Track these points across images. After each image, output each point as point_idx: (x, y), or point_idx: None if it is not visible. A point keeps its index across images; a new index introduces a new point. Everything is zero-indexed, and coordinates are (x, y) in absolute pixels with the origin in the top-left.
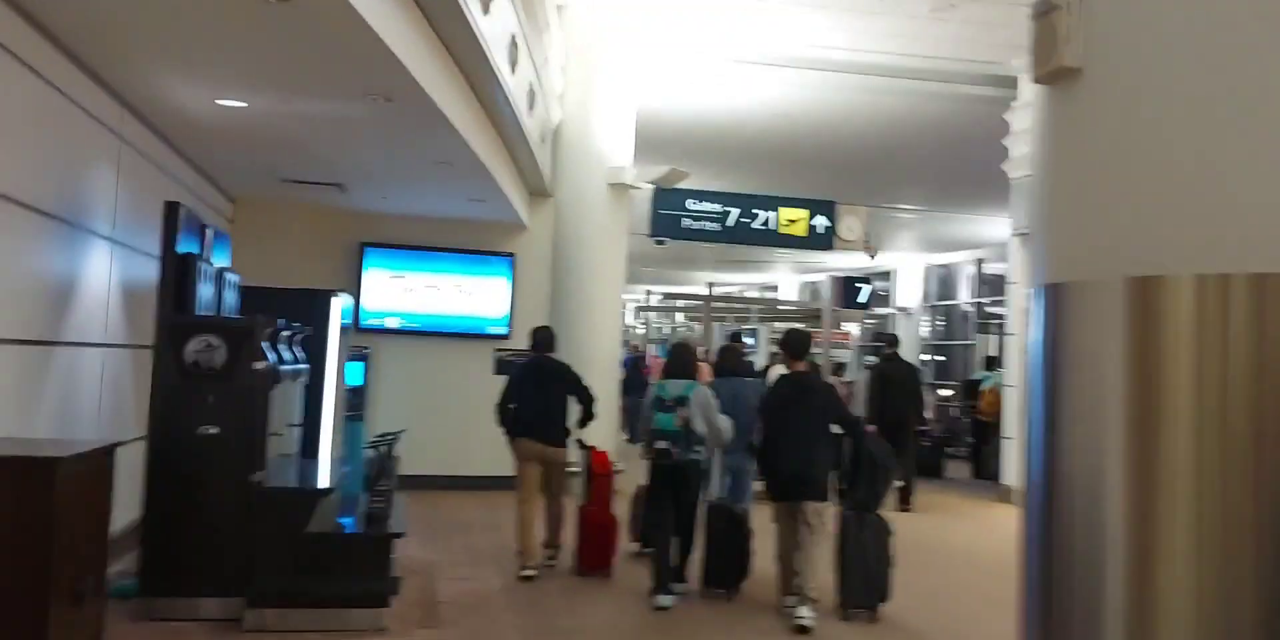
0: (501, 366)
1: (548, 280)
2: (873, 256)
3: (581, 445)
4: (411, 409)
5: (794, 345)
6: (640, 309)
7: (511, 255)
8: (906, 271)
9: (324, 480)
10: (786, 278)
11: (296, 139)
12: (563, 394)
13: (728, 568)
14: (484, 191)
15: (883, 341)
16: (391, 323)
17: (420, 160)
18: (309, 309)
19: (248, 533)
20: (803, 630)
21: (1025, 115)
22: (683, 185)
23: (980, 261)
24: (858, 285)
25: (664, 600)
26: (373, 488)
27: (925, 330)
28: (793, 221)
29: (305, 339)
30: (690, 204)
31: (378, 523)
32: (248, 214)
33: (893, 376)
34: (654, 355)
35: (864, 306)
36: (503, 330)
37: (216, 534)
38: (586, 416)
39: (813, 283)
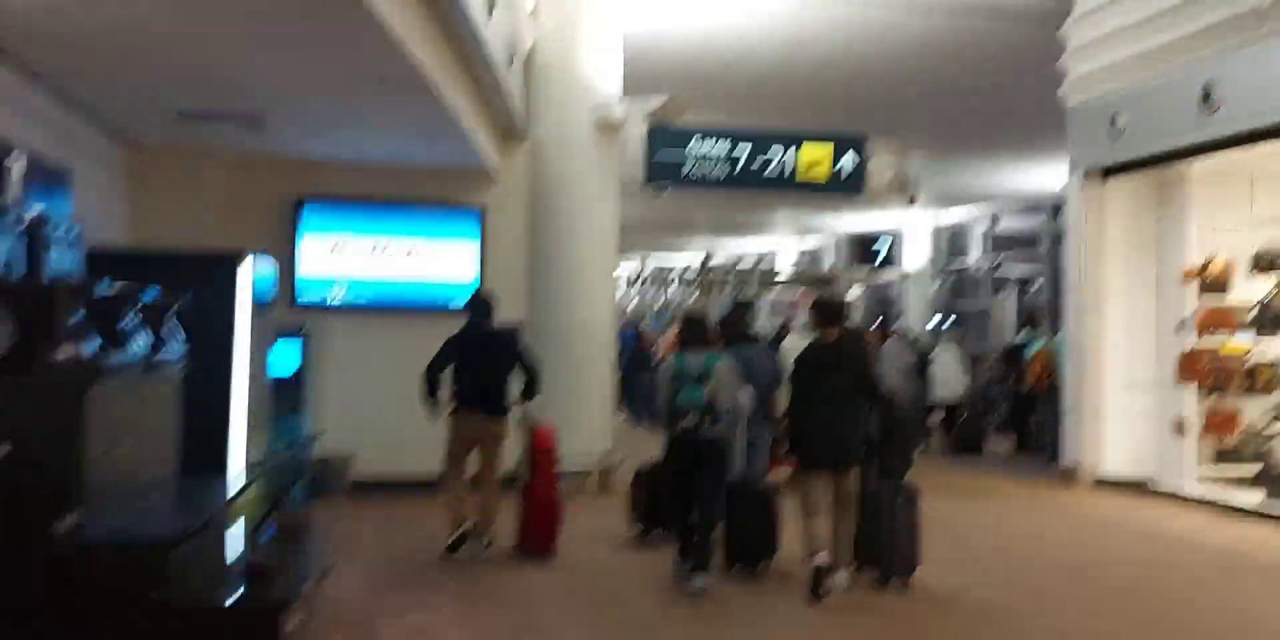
0: None
1: (525, 239)
2: (912, 202)
3: (529, 422)
4: (367, 400)
5: (826, 312)
6: (636, 278)
7: (480, 209)
8: (913, 230)
9: (190, 517)
10: (784, 242)
11: (188, 54)
12: (508, 365)
13: (753, 545)
14: (438, 126)
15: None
16: (337, 295)
17: (349, 78)
18: (203, 278)
19: (47, 611)
20: (825, 594)
21: (1087, 26)
22: (684, 122)
23: (994, 218)
24: (874, 245)
25: (700, 581)
26: (257, 525)
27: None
28: (814, 164)
29: (186, 316)
30: (693, 145)
31: (260, 583)
32: (148, 164)
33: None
34: (649, 326)
35: (883, 266)
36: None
37: None
38: (533, 390)
39: (811, 251)
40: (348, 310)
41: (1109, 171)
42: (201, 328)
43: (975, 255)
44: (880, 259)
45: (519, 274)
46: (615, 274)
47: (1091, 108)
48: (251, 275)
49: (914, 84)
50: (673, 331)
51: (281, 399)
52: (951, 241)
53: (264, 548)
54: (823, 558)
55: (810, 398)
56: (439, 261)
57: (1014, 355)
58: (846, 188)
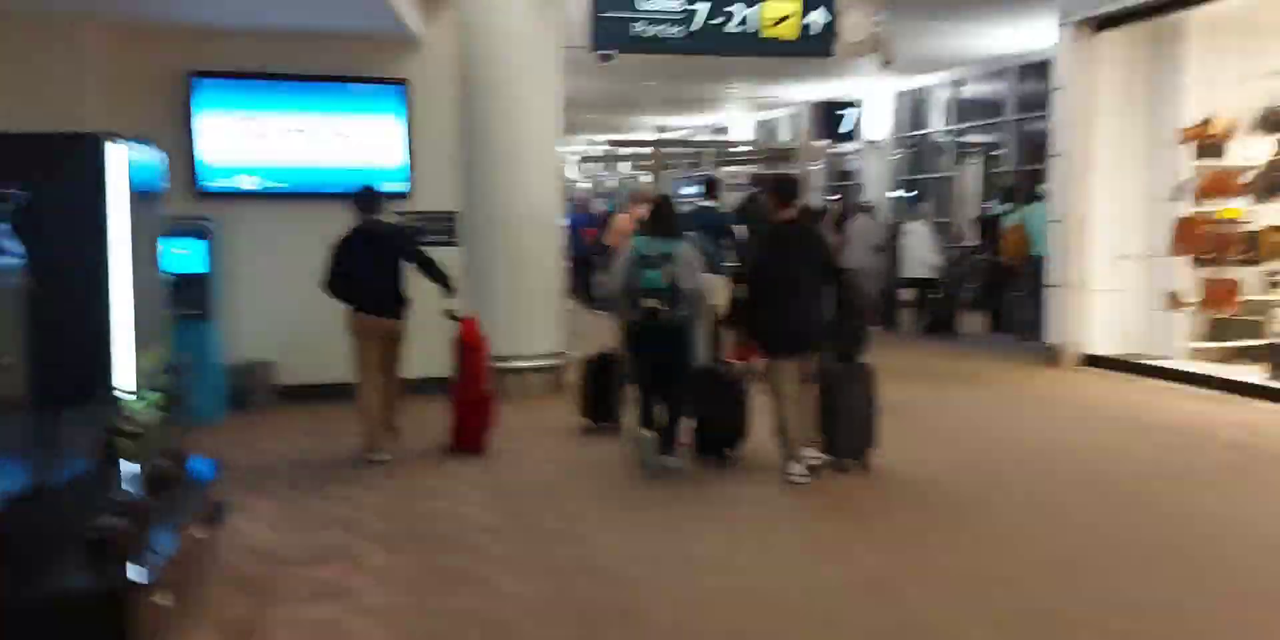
0: None
1: (454, 116)
2: (888, 65)
3: (452, 316)
4: (287, 299)
5: (784, 190)
6: (584, 160)
7: (403, 83)
8: (875, 99)
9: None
10: (739, 117)
11: None
12: (393, 263)
13: (723, 433)
14: None
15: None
16: (247, 182)
17: None
18: (57, 165)
19: None
20: (805, 476)
21: None
22: None
23: (958, 83)
24: (839, 112)
25: (670, 461)
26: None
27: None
28: (781, 19)
29: (32, 210)
30: (641, 2)
31: (105, 559)
32: (11, 34)
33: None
34: (602, 210)
35: (848, 137)
36: (400, 186)
37: None
38: (441, 282)
39: (768, 121)
40: (260, 198)
41: (1102, 23)
42: (61, 224)
43: (938, 123)
44: (846, 130)
45: (450, 155)
46: (560, 154)
47: None
48: (126, 161)
49: None
50: (626, 216)
51: (183, 303)
52: (914, 110)
53: (119, 506)
54: (813, 453)
55: (771, 283)
56: (360, 143)
57: (988, 227)
58: (816, 47)
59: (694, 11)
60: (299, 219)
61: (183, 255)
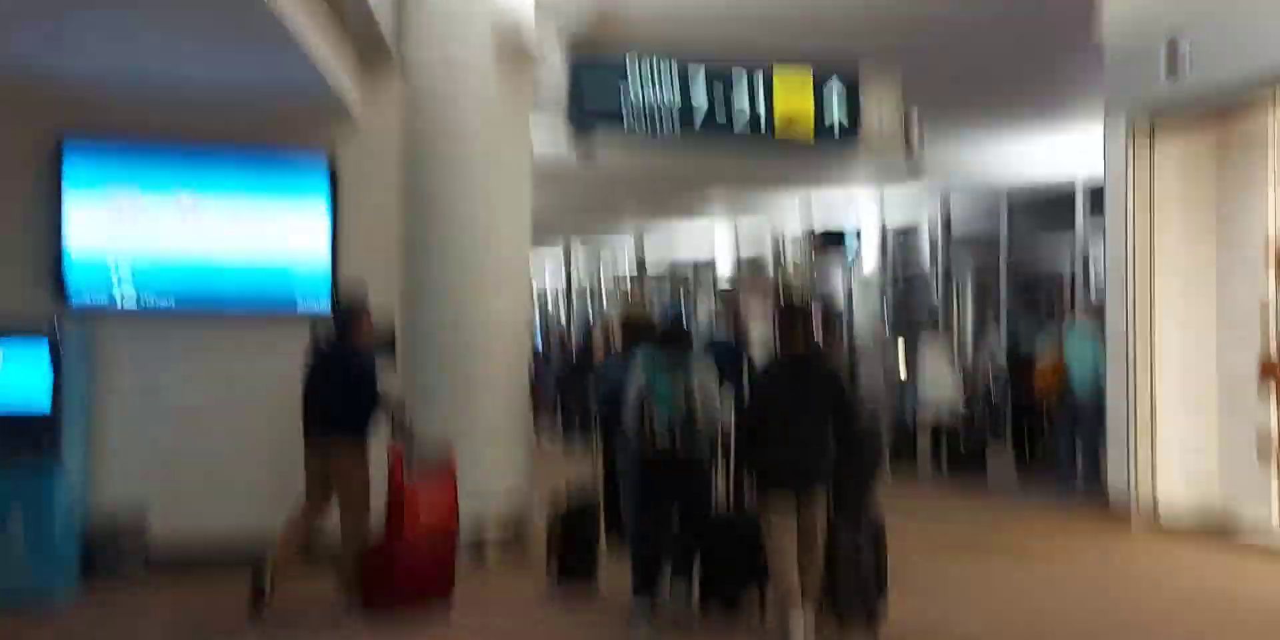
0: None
1: (399, 204)
2: (916, 172)
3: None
4: (174, 440)
5: (791, 318)
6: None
7: (326, 155)
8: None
9: None
10: (719, 225)
11: None
12: (343, 382)
13: (735, 579)
14: (255, 28)
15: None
16: (117, 290)
17: None
18: None
19: None
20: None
21: None
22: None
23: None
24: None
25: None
26: None
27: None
28: (792, 119)
29: None
30: (631, 83)
31: None
32: None
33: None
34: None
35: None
36: (321, 305)
37: None
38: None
39: (749, 257)
40: (145, 316)
41: (1159, 120)
42: None
43: (927, 258)
44: (850, 255)
45: (389, 252)
46: (526, 254)
47: (1141, 30)
48: None
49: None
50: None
51: (19, 446)
52: (902, 245)
53: None
54: (799, 617)
55: (771, 418)
56: (273, 233)
57: (1020, 359)
58: (837, 141)
59: (696, 105)
60: (191, 338)
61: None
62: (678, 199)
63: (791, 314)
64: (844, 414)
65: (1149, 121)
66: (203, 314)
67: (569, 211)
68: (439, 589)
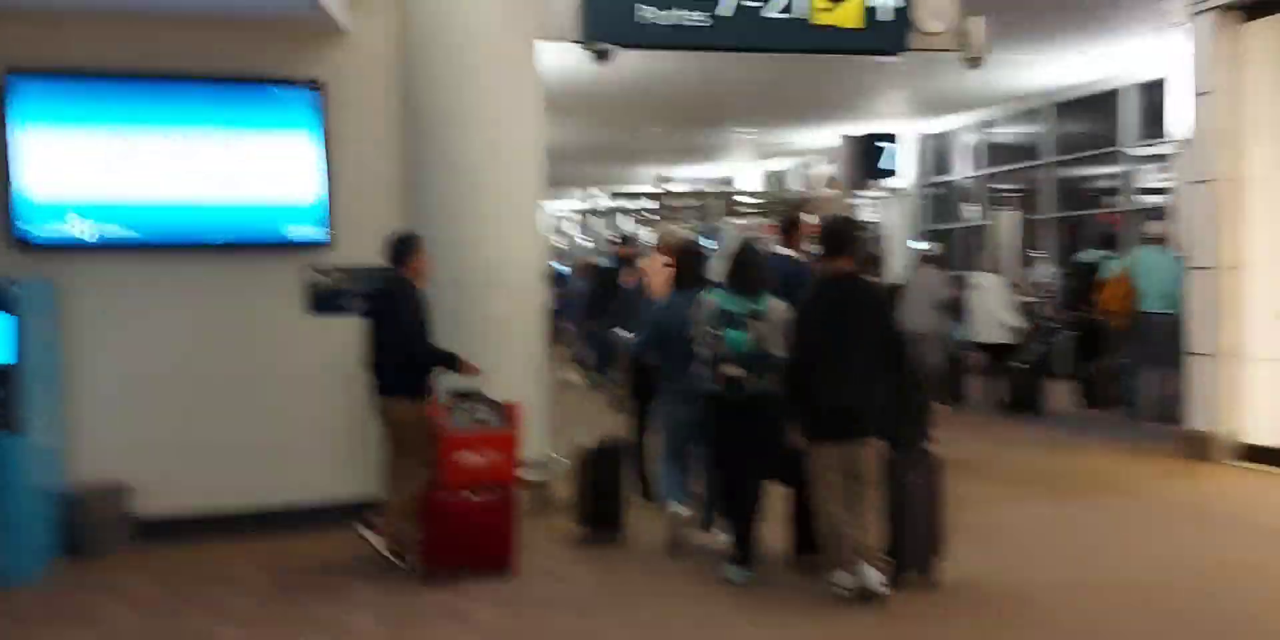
0: (323, 301)
1: (397, 135)
2: (976, 63)
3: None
4: (154, 399)
5: (836, 238)
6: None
7: (315, 86)
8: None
9: None
10: (744, 167)
11: None
12: (390, 324)
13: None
14: None
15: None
16: (84, 229)
17: None
18: None
19: None
20: (873, 596)
21: None
22: None
23: (987, 124)
24: (878, 145)
25: (735, 574)
26: None
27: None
28: (837, 1)
29: None
30: None
31: None
32: None
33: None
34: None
35: (889, 173)
36: (314, 233)
37: None
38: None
39: (778, 172)
40: (111, 251)
41: (1253, 9)
42: None
43: (966, 168)
44: (887, 167)
45: (388, 191)
46: (536, 186)
47: None
48: None
49: None
50: (656, 263)
51: None
52: (938, 154)
53: None
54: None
55: (816, 351)
56: (257, 170)
57: (1079, 279)
58: (884, 39)
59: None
60: (168, 282)
61: None
62: (696, 141)
63: (830, 235)
64: (893, 342)
65: (1240, 8)
66: (178, 249)
67: (585, 152)
68: (497, 546)
